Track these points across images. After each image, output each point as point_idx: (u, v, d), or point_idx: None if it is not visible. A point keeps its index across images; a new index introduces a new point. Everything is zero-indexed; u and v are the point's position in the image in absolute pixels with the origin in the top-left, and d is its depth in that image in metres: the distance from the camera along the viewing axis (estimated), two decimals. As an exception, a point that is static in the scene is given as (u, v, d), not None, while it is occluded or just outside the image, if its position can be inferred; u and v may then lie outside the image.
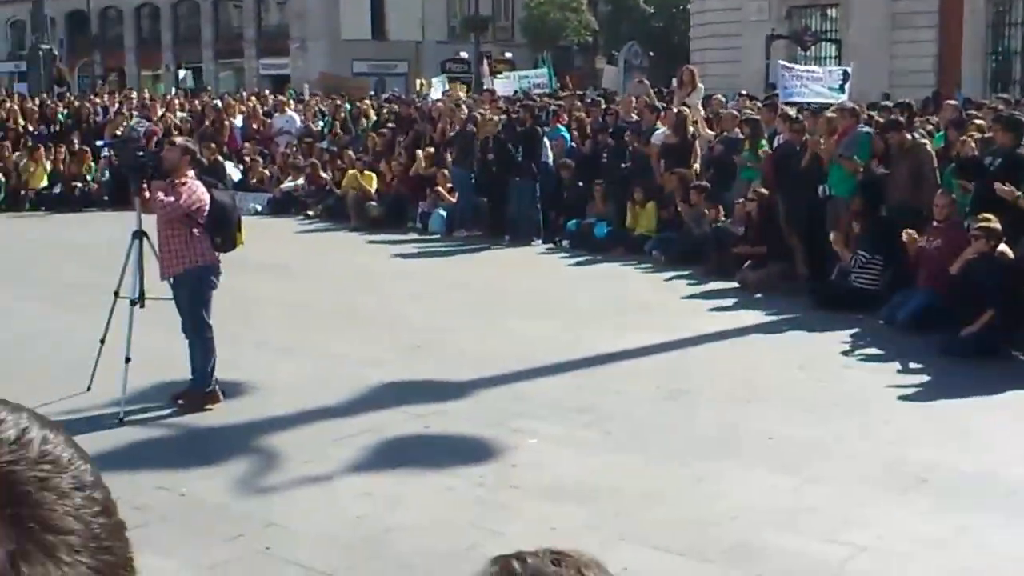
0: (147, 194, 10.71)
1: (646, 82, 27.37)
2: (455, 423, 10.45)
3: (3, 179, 28.27)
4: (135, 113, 30.81)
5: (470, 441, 9.96)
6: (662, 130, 21.76)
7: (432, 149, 25.61)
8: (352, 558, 7.44)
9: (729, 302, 16.46)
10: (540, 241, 22.37)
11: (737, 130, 20.80)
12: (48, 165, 28.85)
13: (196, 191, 10.71)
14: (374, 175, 25.97)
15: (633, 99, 25.09)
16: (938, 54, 43.86)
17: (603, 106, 25.83)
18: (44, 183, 28.60)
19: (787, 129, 19.00)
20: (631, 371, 12.50)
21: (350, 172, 26.20)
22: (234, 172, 28.35)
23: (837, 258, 16.42)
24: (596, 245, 21.33)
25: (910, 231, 15.06)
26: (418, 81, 42.59)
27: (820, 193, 17.68)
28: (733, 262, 17.94)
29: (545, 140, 23.41)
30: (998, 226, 13.30)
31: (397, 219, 25.01)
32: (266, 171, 28.86)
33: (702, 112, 22.87)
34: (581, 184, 22.80)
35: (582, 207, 22.54)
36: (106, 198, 27.52)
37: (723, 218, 19.31)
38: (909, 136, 16.92)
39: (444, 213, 24.16)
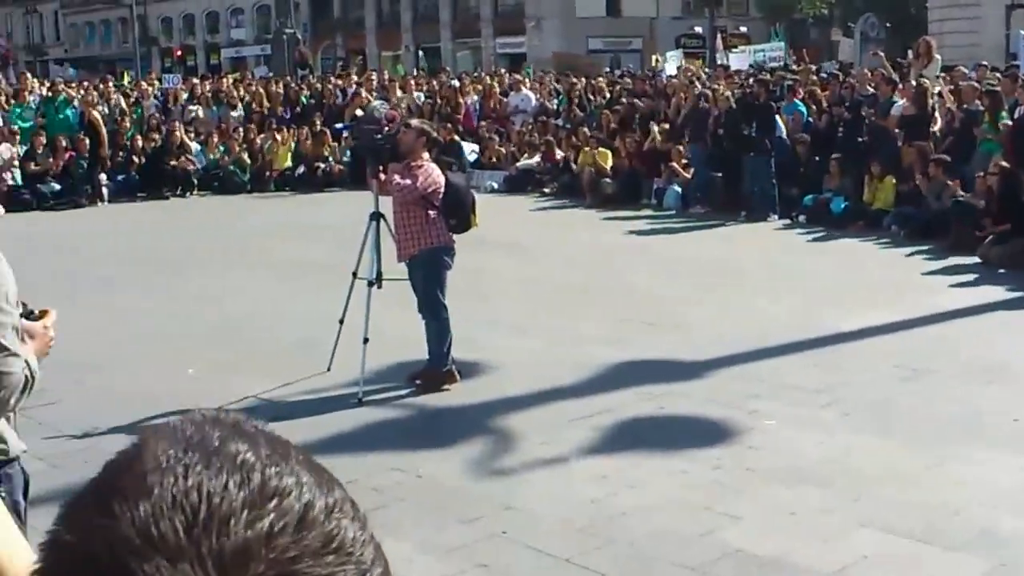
0: (383, 176, 10.81)
1: (881, 54, 26.77)
2: (690, 404, 10.39)
3: (248, 161, 29.09)
4: (374, 95, 31.37)
5: (705, 422, 9.88)
6: (900, 102, 21.31)
7: (667, 125, 25.46)
8: (587, 543, 7.42)
9: (970, 278, 16.08)
10: (776, 217, 22.13)
11: (977, 102, 20.24)
12: (292, 146, 29.58)
13: (431, 174, 10.78)
14: (609, 152, 25.93)
15: (869, 72, 24.64)
16: None
17: (840, 79, 25.42)
18: (288, 164, 29.33)
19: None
20: (869, 350, 12.23)
21: (585, 149, 26.22)
22: (470, 151, 28.66)
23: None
24: (833, 220, 21.01)
25: None
26: (653, 57, 42.47)
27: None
28: (974, 237, 17.49)
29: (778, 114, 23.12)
30: None
31: (632, 196, 24.98)
32: (502, 149, 29.09)
33: (940, 84, 22.35)
34: (817, 159, 22.48)
35: (819, 182, 22.22)
36: (347, 179, 28.03)
37: (963, 192, 18.80)
38: None
39: (679, 189, 24.07)
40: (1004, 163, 17.74)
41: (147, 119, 30.08)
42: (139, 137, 28.74)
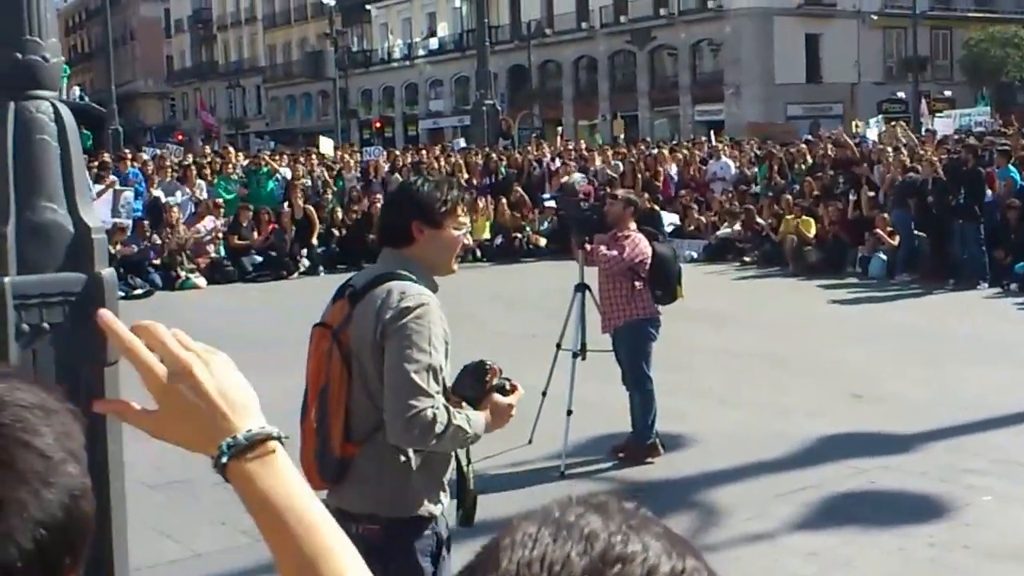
0: (589, 247, 10.79)
1: None
2: (902, 478, 10.08)
3: None
4: (573, 166, 31.48)
5: (918, 498, 9.56)
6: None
7: (871, 192, 25.01)
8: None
9: None
10: (986, 285, 21.58)
11: None
12: (491, 216, 29.79)
13: (639, 244, 10.73)
14: (812, 220, 25.62)
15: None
16: None
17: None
18: (487, 235, 29.51)
19: None
20: None
21: (787, 217, 25.97)
22: (669, 220, 28.52)
23: None
24: (1047, 289, 20.41)
25: None
26: (853, 123, 41.95)
27: None
28: None
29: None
30: None
31: (836, 264, 24.62)
32: (701, 218, 28.93)
33: None
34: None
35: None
36: (546, 249, 28.24)
37: None
38: None
39: (884, 257, 23.63)
40: None
41: (348, 191, 30.46)
42: (339, 209, 29.10)
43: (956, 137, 28.69)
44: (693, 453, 11.15)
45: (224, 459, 1.70)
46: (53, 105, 5.54)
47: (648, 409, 10.83)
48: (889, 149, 26.39)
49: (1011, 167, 23.72)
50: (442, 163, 33.58)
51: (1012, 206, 22.30)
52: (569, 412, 10.57)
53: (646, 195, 27.29)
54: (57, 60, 5.63)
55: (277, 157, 34.30)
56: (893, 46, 69.72)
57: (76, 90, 48.87)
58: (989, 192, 22.61)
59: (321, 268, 26.96)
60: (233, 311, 21.44)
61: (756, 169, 31.35)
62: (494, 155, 34.83)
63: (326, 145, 36.94)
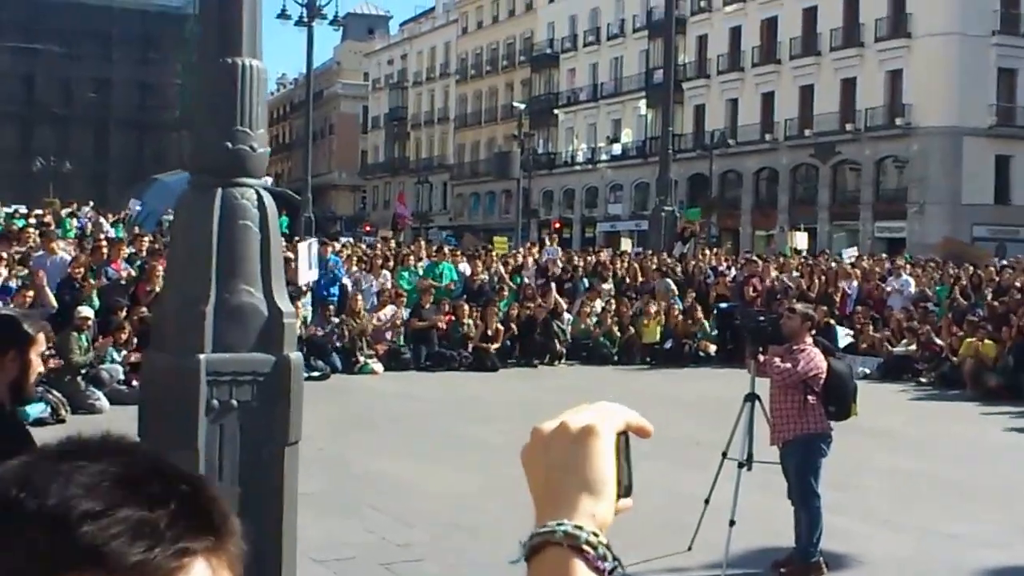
0: (762, 358, 10.77)
1: None
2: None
3: (618, 333, 29.53)
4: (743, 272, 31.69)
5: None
6: None
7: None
8: None
9: None
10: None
11: None
12: (662, 320, 29.79)
13: (814, 358, 10.66)
14: (993, 343, 25.27)
15: None
16: None
17: None
18: (656, 338, 29.56)
19: None
20: None
21: (967, 339, 25.61)
22: (844, 335, 28.32)
23: None
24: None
25: None
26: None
27: None
28: None
29: None
30: None
31: (1017, 389, 24.13)
32: (877, 335, 28.67)
33: None
34: None
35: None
36: (715, 356, 28.37)
37: None
38: None
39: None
40: None
41: (524, 288, 30.78)
42: (515, 305, 29.30)
43: None
44: (858, 574, 11.00)
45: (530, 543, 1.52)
46: (257, 192, 5.80)
47: (813, 526, 10.70)
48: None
49: None
50: (617, 265, 33.87)
51: None
52: (732, 522, 10.45)
53: (824, 308, 27.23)
54: (264, 150, 5.90)
55: (459, 253, 34.82)
56: (1086, 170, 68.42)
57: (268, 179, 50.18)
58: None
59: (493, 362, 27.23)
60: (406, 396, 21.83)
61: (938, 288, 31.00)
62: (669, 260, 35.00)
63: None
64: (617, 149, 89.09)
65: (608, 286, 31.96)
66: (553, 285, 30.76)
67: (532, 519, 1.52)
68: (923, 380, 26.29)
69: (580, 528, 1.48)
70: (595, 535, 1.49)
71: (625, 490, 1.64)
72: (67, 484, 1.20)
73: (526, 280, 31.79)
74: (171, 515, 1.21)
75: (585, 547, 1.47)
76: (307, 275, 24.75)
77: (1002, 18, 67.05)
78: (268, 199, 5.81)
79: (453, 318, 27.70)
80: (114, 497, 1.20)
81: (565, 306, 30.00)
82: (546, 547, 1.48)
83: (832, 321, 27.89)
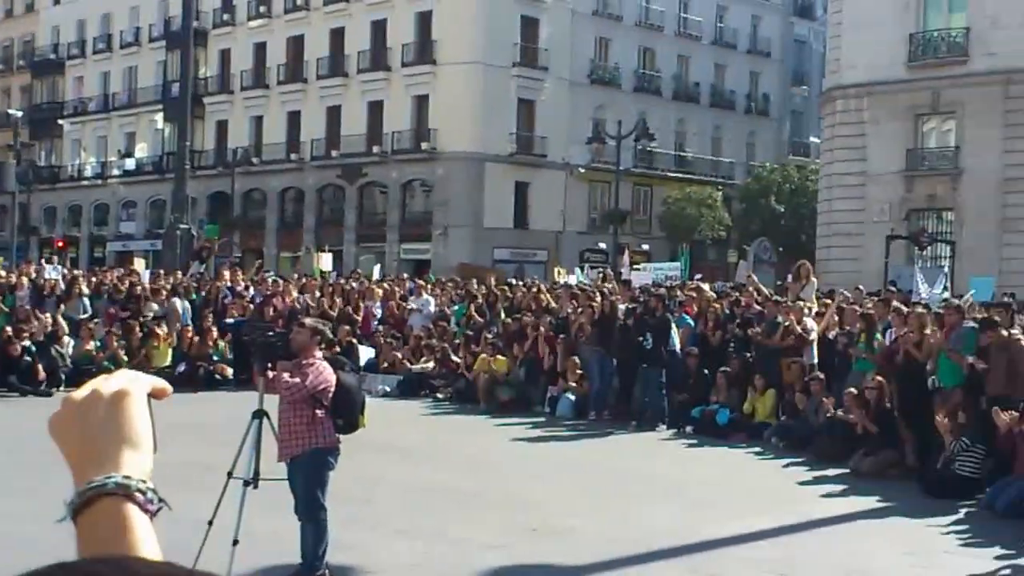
0: (271, 374, 10.68)
1: (753, 276, 28.69)
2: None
3: (125, 358, 27.16)
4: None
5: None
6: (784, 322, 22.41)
7: (562, 335, 25.95)
8: None
9: (841, 488, 16.78)
10: (665, 427, 22.70)
11: (858, 324, 21.23)
12: (174, 343, 28.73)
13: (323, 372, 10.67)
14: (505, 359, 26.42)
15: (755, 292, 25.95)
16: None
17: (732, 298, 26.54)
18: (168, 362, 28.21)
19: (899, 323, 19.65)
20: (746, 557, 12.68)
21: (481, 356, 26.64)
22: (366, 353, 28.91)
23: (943, 447, 16.78)
24: (718, 431, 21.71)
25: (1008, 413, 15.58)
26: (556, 269, 43.48)
27: (929, 385, 18.31)
28: (847, 450, 18.40)
29: (673, 327, 23.96)
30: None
31: (526, 402, 25.49)
32: (397, 353, 29.11)
33: (814, 305, 23.67)
34: (707, 371, 23.32)
35: (707, 394, 22.99)
36: (231, 377, 27.86)
37: (837, 409, 19.70)
38: (1005, 333, 17.46)
39: (572, 397, 24.58)
40: (880, 378, 18.74)
41: (18, 309, 29.16)
42: (8, 328, 27.07)
43: (648, 288, 30.04)
44: (365, 585, 11.21)
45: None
46: None
47: (320, 540, 10.79)
48: (588, 294, 27.29)
49: (686, 316, 25.30)
50: (124, 285, 32.79)
51: (691, 354, 23.74)
52: (235, 541, 10.30)
53: (347, 328, 27.78)
54: None
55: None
56: (597, 199, 72.15)
57: None
58: (677, 340, 23.88)
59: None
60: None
61: (456, 307, 32.07)
62: (185, 281, 34.26)
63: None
64: (131, 164, 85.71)
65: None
66: (60, 306, 29.62)
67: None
68: (440, 396, 27.04)
69: (129, 477, 1.57)
70: (143, 482, 1.58)
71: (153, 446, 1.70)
72: None
73: (19, 303, 30.04)
74: None
75: (136, 493, 1.57)
76: None
77: (521, 51, 69.87)
78: None
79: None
80: None
81: (67, 329, 28.33)
82: (97, 500, 1.55)
83: (355, 340, 28.42)
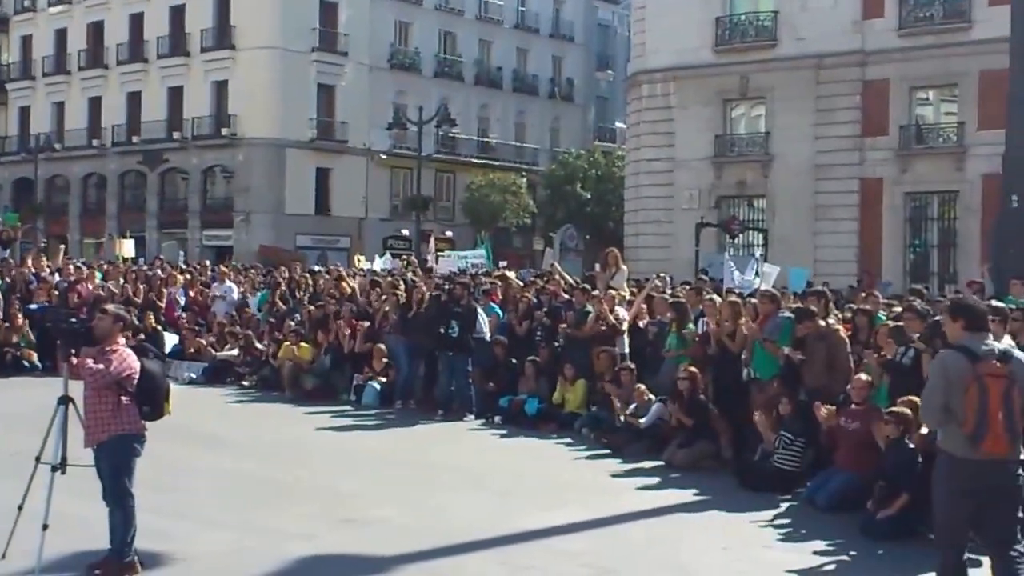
0: (75, 360, 10.61)
1: (557, 265, 28.55)
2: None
3: None
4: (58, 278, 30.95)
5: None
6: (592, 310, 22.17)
7: (367, 323, 25.68)
8: None
9: (656, 480, 16.56)
10: (473, 416, 22.43)
11: (669, 313, 21.02)
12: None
13: (126, 359, 10.64)
14: (309, 347, 26.07)
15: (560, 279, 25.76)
16: (859, 245, 45.91)
17: (539, 286, 26.27)
18: (-31, 348, 27.96)
19: (712, 313, 19.48)
20: (558, 550, 12.48)
21: (285, 343, 26.29)
22: (170, 340, 28.48)
23: (760, 439, 16.65)
24: (527, 421, 21.47)
25: (828, 407, 15.50)
26: (357, 256, 43.03)
27: (744, 376, 18.12)
28: (660, 441, 18.21)
29: (482, 315, 23.71)
30: (909, 412, 13.57)
31: (331, 389, 25.17)
32: (202, 340, 28.86)
33: (626, 292, 23.54)
34: (515, 360, 23.05)
35: (515, 383, 22.73)
36: (38, 364, 27.48)
37: (652, 397, 19.49)
38: (823, 323, 17.38)
39: (377, 386, 24.24)
40: (693, 369, 18.54)
41: None
42: None
43: (451, 275, 29.75)
44: (172, 572, 11.11)
45: None
46: None
47: (127, 526, 10.71)
48: (391, 281, 27.07)
49: (493, 304, 25.06)
50: None
51: (499, 342, 23.44)
52: (45, 526, 10.34)
53: (151, 315, 27.21)
54: None
55: None
56: (400, 185, 71.91)
57: None
58: (486, 328, 23.61)
59: None
60: None
61: (259, 294, 31.69)
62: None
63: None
64: None
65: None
66: None
67: None
68: (245, 383, 26.66)
69: None
70: None
71: None
72: None
73: None
74: None
75: None
76: None
77: (320, 36, 69.51)
78: None
79: None
80: None
81: None
82: None
83: (159, 327, 28.06)
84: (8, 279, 31.47)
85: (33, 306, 28.89)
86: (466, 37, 77.56)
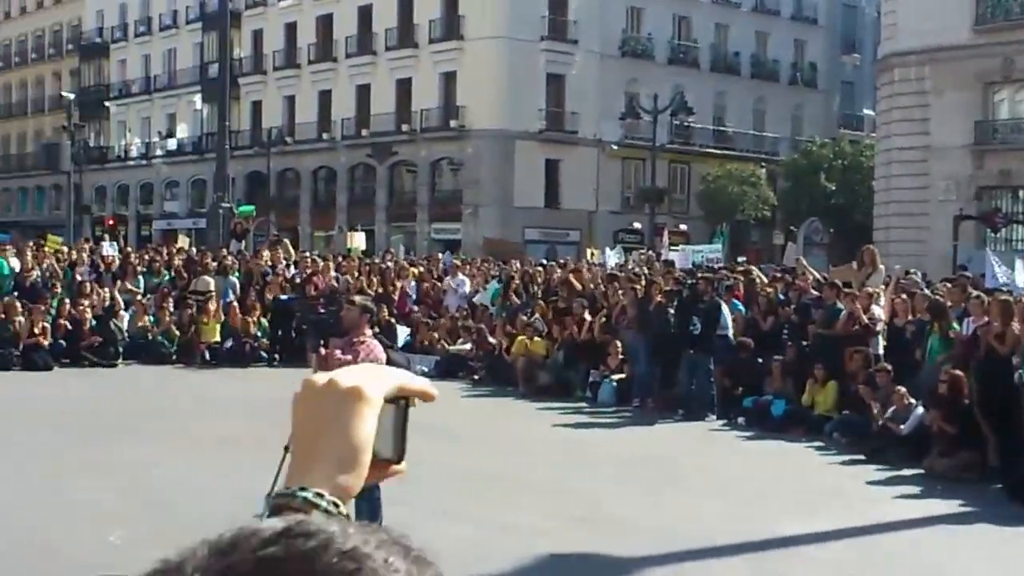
0: (324, 351, 10.83)
1: (803, 260, 27.00)
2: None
3: (177, 332, 28.69)
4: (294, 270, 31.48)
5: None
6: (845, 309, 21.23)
7: (604, 318, 25.19)
8: None
9: (917, 489, 15.77)
10: (714, 417, 21.78)
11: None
12: (222, 319, 29.11)
13: (374, 350, 10.70)
14: (544, 341, 25.77)
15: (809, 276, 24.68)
16: None
17: (786, 282, 25.36)
18: (217, 337, 28.88)
19: (979, 312, 18.31)
20: (811, 559, 12.01)
21: (520, 338, 26.05)
22: (403, 334, 28.42)
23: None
24: (773, 423, 20.71)
25: None
26: (589, 250, 42.59)
27: (1016, 380, 16.90)
28: (920, 448, 17.19)
29: (726, 312, 23.00)
30: None
31: (566, 386, 24.78)
32: (434, 333, 28.88)
33: (883, 292, 22.34)
34: (760, 360, 22.25)
35: (760, 383, 21.94)
36: (277, 356, 27.86)
37: (912, 401, 18.40)
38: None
39: (614, 383, 23.79)
40: (957, 371, 17.45)
41: (78, 284, 29.69)
42: (67, 301, 28.30)
43: (691, 270, 29.08)
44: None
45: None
46: None
47: (375, 517, 10.49)
48: (627, 276, 26.61)
49: (737, 302, 24.23)
50: (176, 261, 33.36)
51: (744, 344, 22.63)
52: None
53: (384, 308, 27.20)
54: None
55: (9, 247, 33.13)
56: (632, 177, 71.03)
57: None
58: (730, 325, 22.87)
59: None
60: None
61: (491, 287, 31.49)
62: (229, 259, 34.13)
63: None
64: (172, 144, 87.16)
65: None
66: (117, 282, 30.25)
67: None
68: (477, 378, 26.52)
69: (320, 496, 1.46)
70: (335, 505, 1.46)
71: (399, 455, 1.65)
72: None
73: (79, 277, 30.66)
74: None
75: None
76: None
77: (550, 24, 68.93)
78: None
79: (3, 316, 26.37)
80: None
81: (123, 304, 29.30)
82: (284, 509, 1.45)
83: (392, 320, 28.14)
84: (245, 271, 32.03)
85: (283, 297, 29.41)
86: (701, 21, 75.68)
